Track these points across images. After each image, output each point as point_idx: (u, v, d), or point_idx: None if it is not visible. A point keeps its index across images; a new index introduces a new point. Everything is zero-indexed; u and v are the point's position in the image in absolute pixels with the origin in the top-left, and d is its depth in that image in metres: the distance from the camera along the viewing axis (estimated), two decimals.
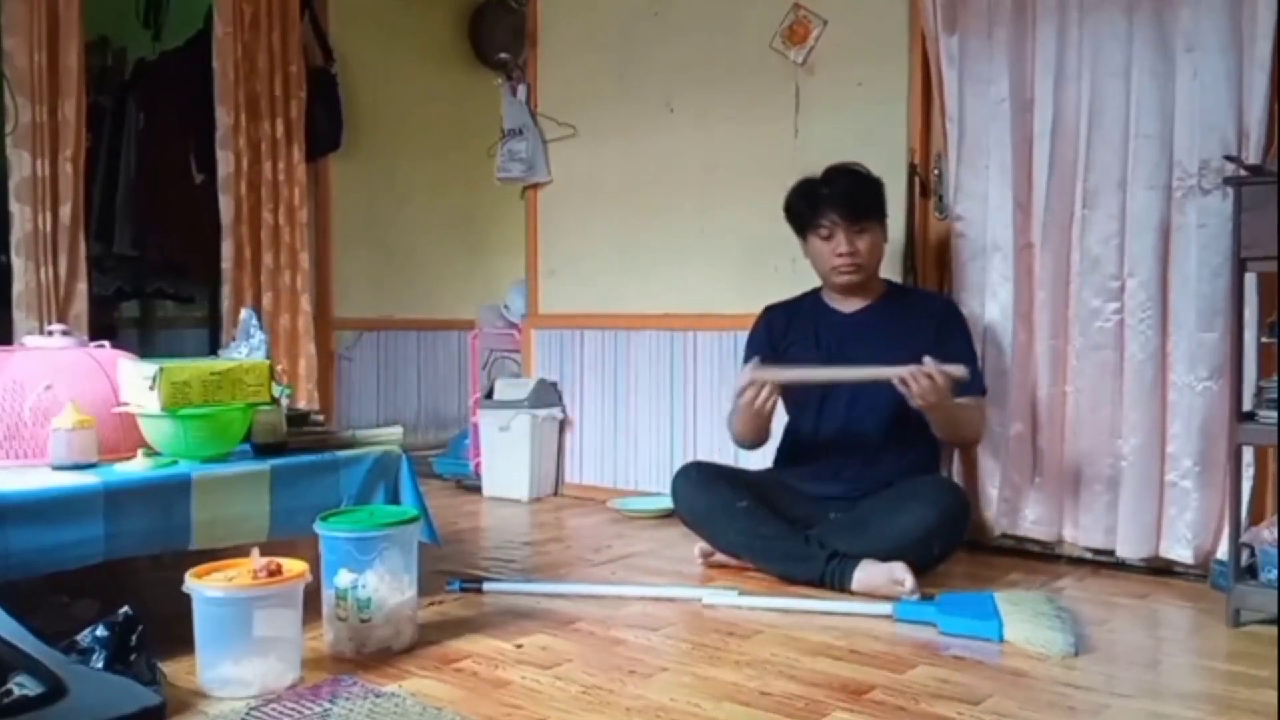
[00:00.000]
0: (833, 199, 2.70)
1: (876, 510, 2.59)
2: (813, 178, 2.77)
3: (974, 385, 2.66)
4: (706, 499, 2.71)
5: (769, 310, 2.94)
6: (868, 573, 2.47)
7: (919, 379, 2.43)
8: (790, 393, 2.80)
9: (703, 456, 3.31)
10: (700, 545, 2.78)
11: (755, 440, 2.78)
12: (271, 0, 3.92)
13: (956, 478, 2.97)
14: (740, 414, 2.69)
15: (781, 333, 2.87)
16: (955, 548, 2.64)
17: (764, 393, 2.59)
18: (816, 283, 2.90)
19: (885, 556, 2.47)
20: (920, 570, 2.45)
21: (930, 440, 2.68)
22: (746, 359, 2.88)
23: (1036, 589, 2.54)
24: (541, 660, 2.04)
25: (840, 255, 2.71)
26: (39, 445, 2.15)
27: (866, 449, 2.73)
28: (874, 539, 2.51)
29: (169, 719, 1.71)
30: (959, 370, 2.46)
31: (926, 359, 2.45)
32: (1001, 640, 2.14)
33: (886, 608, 2.33)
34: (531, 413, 3.92)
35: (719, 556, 2.75)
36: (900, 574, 2.42)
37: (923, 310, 2.80)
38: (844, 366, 2.64)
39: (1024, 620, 2.16)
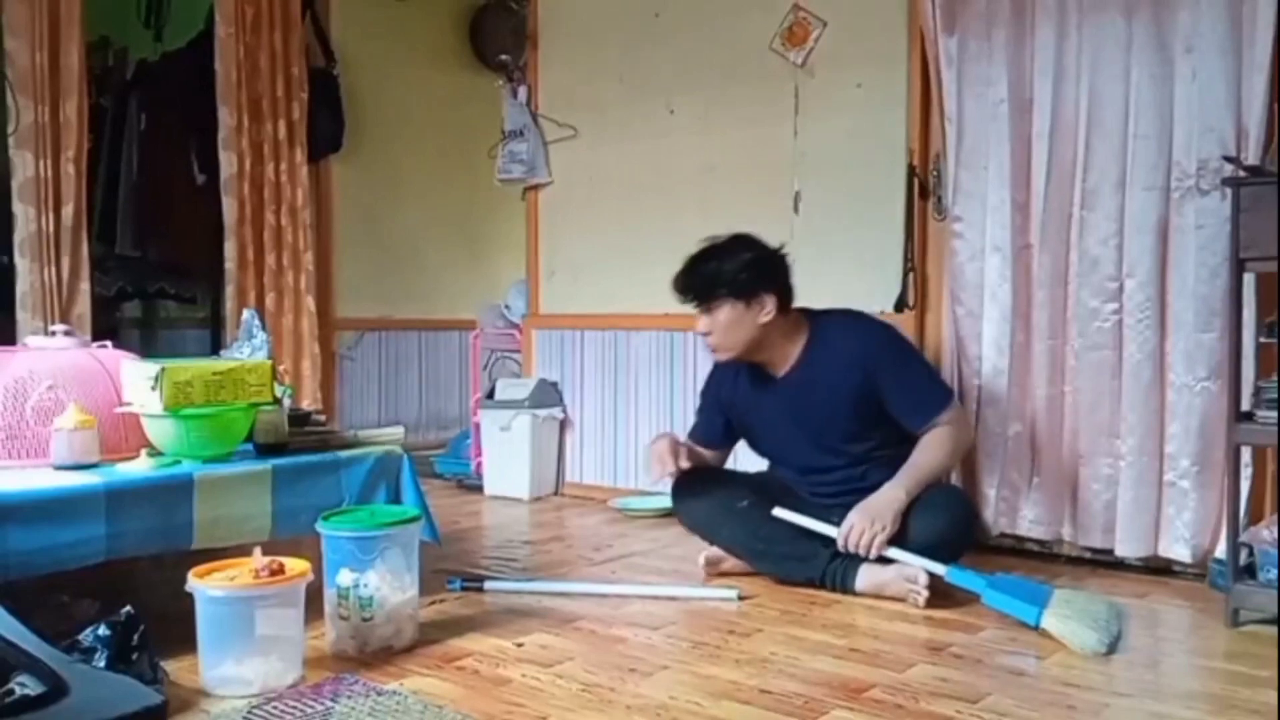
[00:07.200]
0: (676, 286, 2.70)
1: None
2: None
3: (932, 404, 2.59)
4: (707, 500, 2.70)
5: (717, 367, 2.86)
6: (875, 573, 2.48)
7: (851, 535, 2.45)
8: (752, 442, 2.83)
9: None
10: (706, 553, 2.72)
11: None
12: (273, 1, 3.93)
13: (955, 478, 2.97)
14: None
15: (730, 389, 2.80)
16: (961, 554, 2.63)
17: (670, 464, 2.63)
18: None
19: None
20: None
21: (905, 436, 2.64)
22: (700, 408, 2.91)
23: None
24: (542, 658, 2.05)
25: (701, 334, 2.70)
26: (41, 445, 2.15)
27: (846, 471, 2.67)
28: None
29: (171, 718, 1.71)
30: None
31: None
32: (1036, 627, 2.19)
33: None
34: (532, 412, 3.93)
35: (727, 565, 2.72)
36: (911, 572, 2.42)
37: (844, 360, 2.62)
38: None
39: (1068, 615, 2.17)
